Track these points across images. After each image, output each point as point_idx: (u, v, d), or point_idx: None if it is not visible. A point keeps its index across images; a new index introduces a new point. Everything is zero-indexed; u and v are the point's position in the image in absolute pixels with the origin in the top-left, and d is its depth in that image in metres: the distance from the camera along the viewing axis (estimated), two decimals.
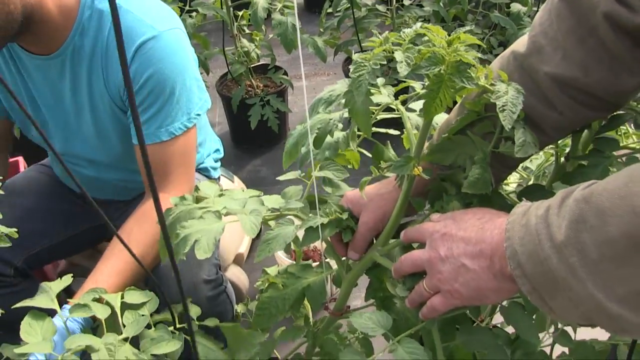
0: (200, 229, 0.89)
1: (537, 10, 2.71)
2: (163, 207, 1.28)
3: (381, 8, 2.84)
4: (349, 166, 1.08)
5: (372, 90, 0.89)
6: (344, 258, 1.03)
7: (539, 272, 0.65)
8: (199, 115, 1.38)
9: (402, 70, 0.74)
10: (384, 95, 0.94)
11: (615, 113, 0.91)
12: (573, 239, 0.61)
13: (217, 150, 1.77)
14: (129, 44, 1.25)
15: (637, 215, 0.56)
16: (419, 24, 0.80)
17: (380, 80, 0.95)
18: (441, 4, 2.80)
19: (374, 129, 0.98)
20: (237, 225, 0.91)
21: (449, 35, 0.78)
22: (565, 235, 0.61)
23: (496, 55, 2.80)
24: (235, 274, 1.94)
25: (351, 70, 0.79)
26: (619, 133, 1.02)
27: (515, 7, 2.77)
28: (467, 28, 0.80)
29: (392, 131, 1.12)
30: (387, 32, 0.82)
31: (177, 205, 0.97)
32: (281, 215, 0.99)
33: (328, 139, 0.98)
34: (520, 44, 0.88)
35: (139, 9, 1.28)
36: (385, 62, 0.78)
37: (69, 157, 1.51)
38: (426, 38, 0.78)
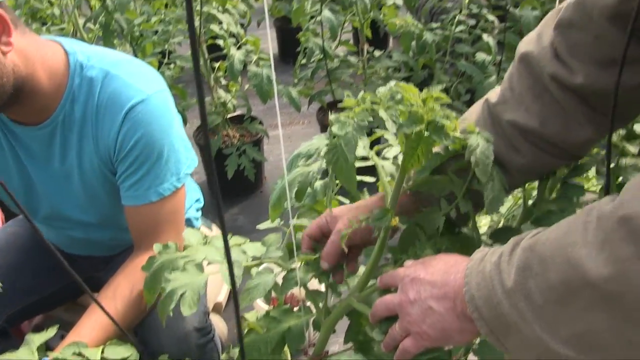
0: (184, 283, 0.92)
1: (502, 59, 2.83)
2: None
3: (353, 59, 2.94)
4: None
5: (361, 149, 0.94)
6: (321, 304, 1.06)
7: (493, 316, 0.69)
8: (187, 174, 1.40)
9: (390, 127, 0.78)
10: (360, 147, 0.99)
11: (580, 161, 0.98)
12: (520, 285, 0.66)
13: (198, 200, 1.80)
14: (119, 108, 1.27)
15: (570, 264, 0.61)
16: (392, 82, 0.85)
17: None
18: (410, 53, 2.91)
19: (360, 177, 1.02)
20: (216, 274, 0.93)
21: (420, 90, 0.83)
22: (514, 281, 0.67)
23: (464, 102, 2.91)
24: (215, 323, 1.96)
25: (335, 128, 0.80)
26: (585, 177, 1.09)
27: (481, 56, 2.88)
28: (440, 87, 0.86)
29: (367, 178, 1.16)
30: (362, 92, 0.86)
31: (160, 253, 1.00)
32: (262, 263, 1.02)
33: (309, 190, 1.03)
34: (493, 94, 0.96)
35: (127, 74, 1.31)
36: (371, 119, 0.80)
37: (57, 220, 1.52)
38: (399, 96, 0.82)
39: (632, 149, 1.03)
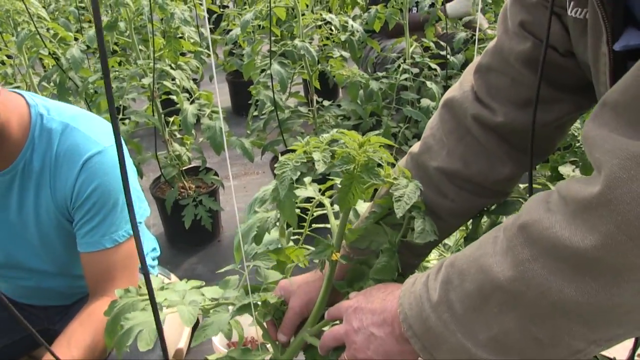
0: (142, 321, 0.96)
1: None
2: (105, 309, 1.35)
3: (303, 109, 3.04)
4: (297, 263, 1.14)
5: (299, 187, 1.00)
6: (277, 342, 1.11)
7: (423, 330, 0.75)
8: (140, 223, 1.47)
9: (320, 167, 0.85)
10: (309, 190, 1.05)
11: (507, 199, 1.05)
12: (444, 297, 0.73)
13: (154, 249, 1.83)
14: (77, 158, 1.34)
15: (482, 271, 0.68)
16: (335, 130, 0.91)
17: (307, 179, 1.06)
18: (358, 101, 3.03)
19: (314, 225, 1.09)
20: (176, 321, 0.97)
21: (363, 135, 0.89)
22: (438, 295, 0.73)
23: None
24: None
25: (276, 168, 0.88)
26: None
27: (425, 102, 3.01)
28: (378, 132, 0.94)
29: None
30: (308, 136, 0.93)
31: (121, 297, 1.04)
32: (220, 305, 1.05)
33: (269, 236, 1.08)
34: (415, 146, 1.03)
35: (85, 127, 1.38)
36: (305, 161, 0.88)
37: (9, 270, 1.53)
38: (342, 141, 0.89)
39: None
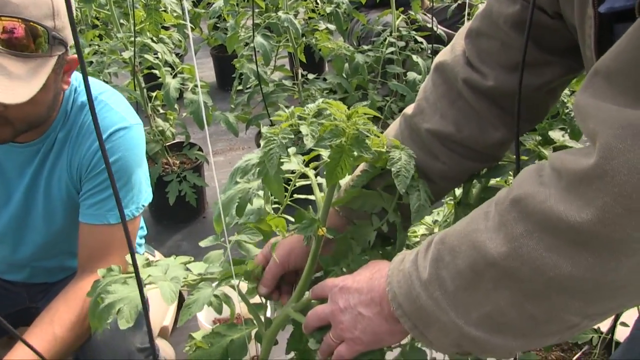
0: (123, 296, 0.94)
1: None
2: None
3: (287, 82, 3.00)
4: (277, 232, 1.13)
5: (283, 159, 0.98)
6: (262, 317, 1.09)
7: (414, 309, 0.74)
8: (143, 206, 1.46)
9: (308, 142, 0.82)
10: (294, 163, 1.02)
11: (498, 163, 1.04)
12: (434, 275, 0.71)
13: (141, 228, 1.82)
14: (103, 130, 1.34)
15: (475, 248, 0.67)
16: (321, 100, 0.88)
17: (291, 150, 1.03)
18: (343, 75, 3.00)
19: (296, 195, 1.07)
20: (161, 298, 0.96)
21: (349, 108, 0.87)
22: (428, 273, 0.72)
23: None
24: (161, 347, 1.96)
25: (262, 144, 0.86)
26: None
27: (412, 75, 2.99)
28: (365, 103, 0.92)
29: (312, 197, 1.21)
30: (292, 106, 0.90)
31: (104, 276, 1.02)
32: (203, 280, 1.04)
33: (250, 207, 1.06)
34: (409, 108, 1.02)
35: (114, 102, 1.40)
36: (292, 136, 0.85)
37: (2, 241, 1.51)
38: (328, 112, 0.86)
39: (547, 153, 1.11)
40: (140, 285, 0.77)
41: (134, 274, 1.00)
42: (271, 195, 1.09)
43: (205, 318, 2.09)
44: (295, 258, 1.04)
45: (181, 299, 2.15)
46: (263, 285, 1.05)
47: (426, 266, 0.72)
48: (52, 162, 1.38)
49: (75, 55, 1.26)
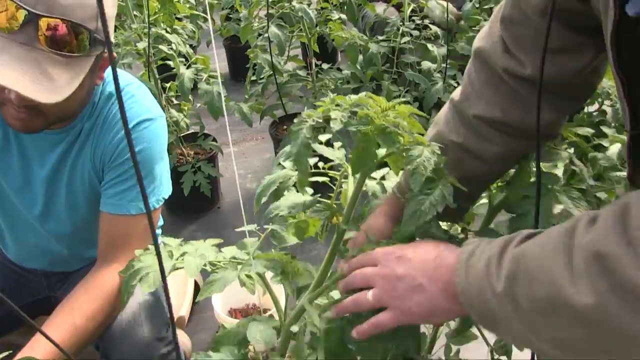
0: (149, 264, 0.96)
1: (446, 67, 2.93)
2: (114, 276, 1.33)
3: (302, 73, 3.00)
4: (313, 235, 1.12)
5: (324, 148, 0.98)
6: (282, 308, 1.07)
7: (484, 310, 0.74)
8: (164, 199, 1.46)
9: (335, 125, 0.81)
10: (338, 153, 1.03)
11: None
12: (508, 291, 0.70)
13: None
14: (129, 120, 1.35)
15: (555, 285, 0.65)
16: (364, 93, 0.88)
17: (337, 144, 1.04)
18: (358, 65, 2.99)
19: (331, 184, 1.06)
20: (178, 289, 0.96)
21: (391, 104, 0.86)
22: (502, 288, 0.70)
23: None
24: (178, 337, 1.97)
25: (293, 127, 0.85)
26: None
27: (426, 64, 2.98)
28: (402, 100, 0.89)
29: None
30: (333, 95, 0.89)
31: (140, 255, 1.03)
32: (231, 262, 1.02)
33: (296, 199, 1.04)
34: (456, 93, 1.03)
35: (140, 93, 1.41)
36: (321, 120, 0.85)
37: (25, 228, 1.52)
38: (367, 104, 0.85)
39: (604, 143, 1.11)
40: (164, 274, 0.77)
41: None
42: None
43: (222, 308, 2.10)
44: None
45: (197, 289, 2.16)
46: (345, 262, 0.99)
47: (500, 278, 0.71)
48: (76, 152, 1.39)
49: None
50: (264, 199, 1.05)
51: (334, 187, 1.05)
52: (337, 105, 0.86)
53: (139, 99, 1.40)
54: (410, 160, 0.85)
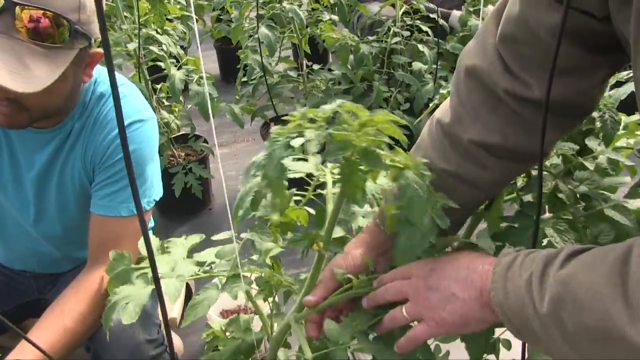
0: (128, 294, 0.95)
1: (437, 67, 2.93)
2: (104, 278, 1.32)
3: (292, 73, 2.99)
4: (298, 224, 1.08)
5: (302, 157, 0.90)
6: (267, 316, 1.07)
7: (523, 326, 0.72)
8: (155, 201, 1.45)
9: (312, 148, 0.75)
10: (311, 163, 0.96)
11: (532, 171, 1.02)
12: (553, 313, 0.68)
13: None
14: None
15: (610, 318, 0.62)
16: (339, 101, 0.79)
17: (313, 147, 0.99)
18: (348, 66, 2.99)
19: (319, 190, 1.03)
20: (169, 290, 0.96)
21: (370, 109, 0.78)
22: (547, 309, 0.68)
23: (404, 111, 2.98)
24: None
25: (266, 144, 0.79)
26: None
27: (417, 65, 2.97)
28: (383, 111, 0.81)
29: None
30: (305, 107, 0.83)
31: (115, 260, 1.03)
32: (212, 276, 1.02)
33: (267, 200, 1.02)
34: (443, 113, 0.95)
35: (131, 95, 1.40)
36: (301, 138, 0.76)
37: (15, 230, 1.51)
38: (341, 118, 0.77)
39: (587, 164, 1.09)
40: (157, 276, 0.76)
41: (143, 267, 1.01)
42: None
43: (214, 309, 2.09)
44: (356, 272, 0.96)
45: (189, 291, 2.15)
46: (314, 296, 0.95)
47: (544, 299, 0.69)
48: (66, 152, 1.38)
49: (99, 50, 1.27)
50: (240, 212, 1.02)
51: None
52: (311, 120, 0.78)
53: (130, 100, 1.39)
54: (402, 190, 0.78)
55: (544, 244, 0.99)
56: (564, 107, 0.85)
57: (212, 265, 1.04)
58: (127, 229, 1.39)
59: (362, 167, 0.76)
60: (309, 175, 1.00)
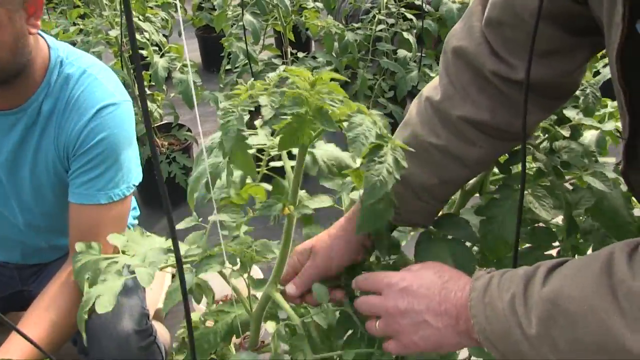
0: (100, 290, 0.95)
1: (422, 55, 2.92)
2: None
3: (277, 61, 2.96)
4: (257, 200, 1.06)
5: (250, 132, 0.89)
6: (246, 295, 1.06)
7: (510, 350, 0.71)
8: (134, 186, 1.43)
9: (267, 113, 0.75)
10: (261, 135, 0.96)
11: (516, 148, 1.01)
12: (544, 333, 0.67)
13: (134, 209, 1.81)
14: (90, 105, 1.30)
15: (607, 332, 0.61)
16: (282, 67, 0.81)
17: (258, 122, 0.97)
18: (333, 54, 2.97)
19: (273, 163, 1.01)
20: (154, 281, 0.95)
21: (345, 89, 0.80)
22: (536, 330, 0.67)
23: (389, 99, 2.97)
24: (157, 330, 1.94)
25: (220, 116, 0.77)
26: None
27: (402, 53, 2.97)
28: (329, 68, 0.82)
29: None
30: (252, 80, 0.82)
31: (82, 252, 1.02)
32: (185, 262, 1.00)
33: (222, 181, 0.98)
34: (432, 91, 0.96)
35: (103, 76, 1.35)
36: (252, 108, 0.77)
37: None
38: (290, 80, 0.77)
39: (564, 132, 1.10)
40: (182, 276, 0.75)
41: (112, 257, 1.01)
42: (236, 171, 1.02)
43: None
44: (339, 260, 0.99)
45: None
46: (293, 285, 0.99)
47: (530, 319, 0.68)
48: (37, 138, 1.34)
49: None
50: (196, 194, 0.97)
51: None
52: (262, 89, 0.78)
53: (103, 82, 1.34)
54: (350, 128, 0.76)
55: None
56: (547, 88, 0.88)
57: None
58: (107, 217, 1.36)
59: (314, 124, 0.76)
60: (260, 151, 0.98)
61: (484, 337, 0.74)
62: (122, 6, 2.35)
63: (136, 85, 2.69)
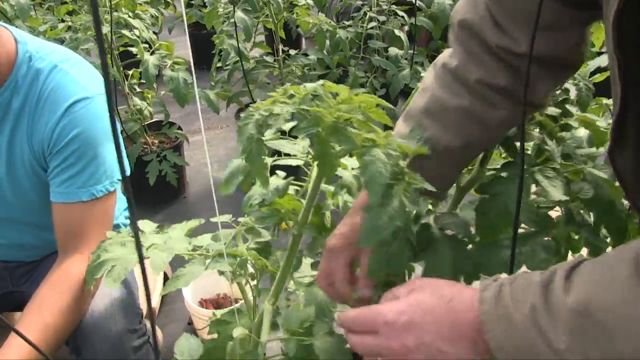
0: (118, 256, 0.92)
1: (413, 53, 2.92)
2: (78, 267, 1.28)
3: (269, 59, 2.95)
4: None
5: (286, 138, 0.89)
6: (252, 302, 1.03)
7: None
8: (118, 181, 1.38)
9: (277, 124, 0.72)
10: (298, 146, 0.94)
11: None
12: (576, 347, 0.63)
13: (126, 208, 1.78)
14: (61, 101, 1.27)
15: None
16: (320, 82, 0.76)
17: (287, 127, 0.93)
18: (325, 51, 2.95)
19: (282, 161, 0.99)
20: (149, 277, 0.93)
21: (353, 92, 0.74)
22: (567, 344, 0.63)
23: (380, 97, 2.96)
24: (148, 329, 1.92)
25: (240, 119, 0.75)
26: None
27: (393, 50, 2.97)
28: (363, 90, 0.74)
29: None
30: (287, 84, 0.81)
31: (112, 237, 0.99)
32: (200, 255, 0.98)
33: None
34: (447, 59, 0.97)
35: (75, 71, 1.31)
36: (267, 114, 0.73)
37: None
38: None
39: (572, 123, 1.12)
40: (142, 258, 0.73)
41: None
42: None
43: (192, 298, 2.05)
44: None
45: (167, 280, 2.11)
46: (367, 287, 0.92)
47: (558, 333, 0.64)
48: (9, 135, 1.31)
49: None
50: (232, 189, 0.96)
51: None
52: (291, 96, 0.74)
53: (74, 76, 1.30)
54: (363, 170, 0.72)
55: (532, 189, 1.00)
56: (552, 60, 0.89)
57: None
58: (92, 214, 1.34)
59: (334, 146, 0.72)
60: (307, 165, 0.97)
61: (503, 355, 0.69)
62: (110, 3, 2.34)
63: (125, 82, 2.67)
